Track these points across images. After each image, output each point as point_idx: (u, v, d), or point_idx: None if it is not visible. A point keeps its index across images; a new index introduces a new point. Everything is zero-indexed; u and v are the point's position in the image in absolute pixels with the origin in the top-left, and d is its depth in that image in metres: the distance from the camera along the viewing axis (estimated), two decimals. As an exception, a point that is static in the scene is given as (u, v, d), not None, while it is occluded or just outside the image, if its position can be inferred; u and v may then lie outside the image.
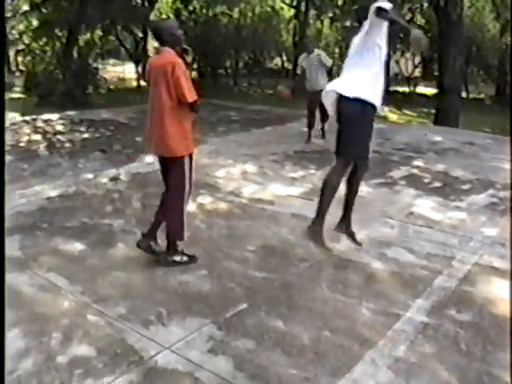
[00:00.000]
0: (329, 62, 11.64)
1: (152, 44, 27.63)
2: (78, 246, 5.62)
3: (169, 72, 4.75)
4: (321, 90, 8.97)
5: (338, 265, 5.27)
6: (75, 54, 20.40)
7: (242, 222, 6.41)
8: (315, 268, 5.19)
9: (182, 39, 5.05)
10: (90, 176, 8.50)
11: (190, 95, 4.81)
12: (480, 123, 15.82)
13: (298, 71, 11.74)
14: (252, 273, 5.01)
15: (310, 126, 11.42)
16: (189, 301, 4.49)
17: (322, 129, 11.43)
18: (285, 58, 30.15)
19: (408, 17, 25.00)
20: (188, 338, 3.95)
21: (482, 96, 23.77)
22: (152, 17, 25.14)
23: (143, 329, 4.06)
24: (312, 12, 26.11)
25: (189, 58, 5.29)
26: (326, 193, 5.56)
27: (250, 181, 8.27)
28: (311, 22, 27.18)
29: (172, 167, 5.08)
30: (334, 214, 5.74)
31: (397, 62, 25.59)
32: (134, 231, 5.99)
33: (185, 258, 5.25)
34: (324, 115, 10.92)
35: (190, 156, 5.10)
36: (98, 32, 24.99)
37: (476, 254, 5.68)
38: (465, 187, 8.29)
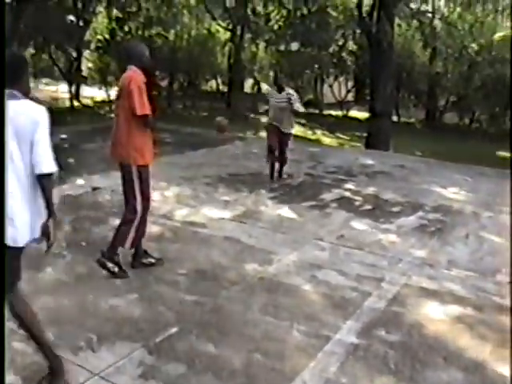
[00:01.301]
0: (300, 108, 10.00)
1: (86, 64, 27.38)
2: None
3: (126, 86, 5.14)
4: (285, 133, 8.99)
5: (270, 288, 5.30)
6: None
7: (174, 245, 6.39)
8: (246, 291, 5.21)
9: (148, 60, 5.43)
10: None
11: (140, 109, 5.09)
12: (411, 147, 16.21)
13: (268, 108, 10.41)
14: (183, 296, 4.99)
15: (272, 164, 10.23)
16: (119, 325, 4.44)
17: (280, 171, 10.38)
18: (220, 80, 30.21)
19: (341, 42, 25.54)
20: (118, 364, 3.90)
21: (412, 120, 24.39)
22: (87, 36, 24.94)
23: (72, 355, 3.98)
24: (247, 35, 26.31)
25: (164, 83, 5.55)
26: None
27: (183, 204, 8.24)
28: (246, 45, 27.37)
29: (123, 175, 5.40)
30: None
31: (330, 86, 26.04)
32: (64, 254, 5.89)
33: (116, 269, 5.34)
34: (283, 158, 10.21)
35: (140, 169, 5.33)
36: (31, 50, 24.55)
37: (405, 275, 5.82)
38: (395, 209, 8.49)
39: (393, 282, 5.59)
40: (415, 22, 22.52)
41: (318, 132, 20.49)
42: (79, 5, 23.83)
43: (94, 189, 8.70)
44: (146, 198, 5.47)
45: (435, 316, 4.92)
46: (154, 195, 8.50)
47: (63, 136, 14.28)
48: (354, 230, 7.33)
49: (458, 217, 8.43)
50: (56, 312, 4.59)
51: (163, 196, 8.68)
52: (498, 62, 20.25)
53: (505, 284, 5.77)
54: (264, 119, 22.68)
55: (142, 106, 5.10)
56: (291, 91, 9.89)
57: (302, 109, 10.07)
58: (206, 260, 5.95)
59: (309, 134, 19.10)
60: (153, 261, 5.67)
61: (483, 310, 5.08)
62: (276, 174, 10.25)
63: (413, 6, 22.06)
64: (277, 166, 10.24)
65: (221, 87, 30.05)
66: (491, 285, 5.73)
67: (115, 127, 5.41)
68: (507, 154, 16.11)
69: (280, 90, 9.82)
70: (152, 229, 6.90)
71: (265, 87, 10.11)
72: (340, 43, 25.62)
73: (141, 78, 5.21)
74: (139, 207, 5.37)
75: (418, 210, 8.55)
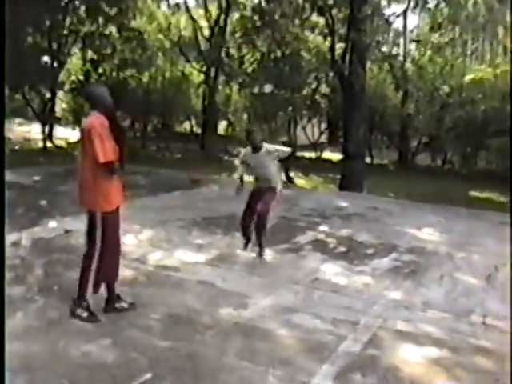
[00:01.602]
0: (285, 150, 8.05)
1: (60, 105, 27.38)
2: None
3: (87, 133, 5.14)
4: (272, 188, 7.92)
5: (245, 332, 5.24)
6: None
7: (147, 289, 6.31)
8: (221, 336, 5.15)
9: (109, 104, 5.38)
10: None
11: (102, 156, 5.07)
12: (384, 188, 16.34)
13: (239, 172, 8.51)
14: (157, 342, 4.92)
15: (245, 233, 8.17)
16: (92, 372, 4.35)
17: (260, 244, 7.97)
18: (194, 122, 30.37)
19: (314, 85, 25.85)
20: (90, 412, 3.82)
21: (385, 161, 24.64)
22: (61, 77, 24.97)
23: (42, 403, 3.89)
24: (221, 78, 26.59)
25: (126, 124, 5.51)
26: None
27: (157, 247, 8.17)
28: (220, 87, 27.63)
29: (89, 220, 5.40)
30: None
31: (303, 128, 26.27)
32: (36, 299, 5.80)
33: (84, 314, 5.28)
34: (262, 226, 7.95)
35: (106, 216, 5.30)
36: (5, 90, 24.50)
37: (380, 317, 5.81)
38: (369, 251, 8.51)
39: (368, 325, 5.58)
40: (387, 65, 22.99)
41: (292, 174, 20.58)
42: (54, 46, 23.90)
43: (67, 231, 8.60)
44: (115, 244, 5.48)
45: (411, 358, 4.91)
46: (128, 238, 8.47)
47: (36, 177, 14.20)
48: (328, 272, 7.32)
49: (432, 258, 8.48)
50: (27, 358, 4.50)
51: (136, 239, 8.61)
52: (468, 104, 20.64)
53: (479, 325, 5.78)
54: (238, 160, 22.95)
55: (105, 153, 5.09)
56: (270, 146, 8.00)
57: (287, 149, 8.06)
58: (180, 304, 5.88)
59: (282, 176, 19.17)
60: (125, 306, 5.59)
61: (459, 352, 5.07)
62: (255, 252, 7.96)
63: (384, 49, 22.55)
64: (253, 236, 8.06)
65: (195, 129, 30.22)
66: (466, 326, 5.74)
67: (81, 172, 5.43)
68: (479, 195, 16.33)
69: (256, 149, 7.92)
70: (125, 273, 6.82)
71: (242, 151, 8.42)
72: (313, 86, 25.93)
73: (102, 123, 5.20)
74: (97, 252, 5.33)
75: (391, 251, 8.58)
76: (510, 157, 16.20)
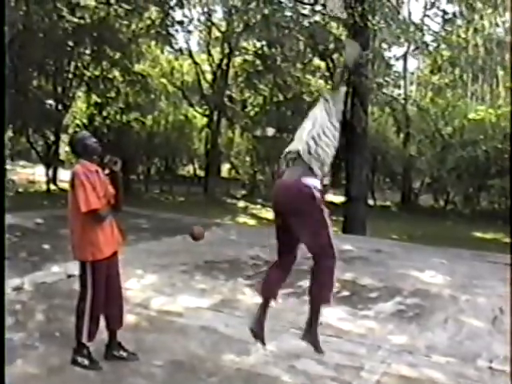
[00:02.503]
0: None
1: (64, 148, 27.57)
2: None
3: (71, 181, 5.16)
4: None
5: (248, 379, 5.20)
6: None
7: (150, 335, 6.26)
8: (224, 383, 5.09)
9: (94, 149, 5.37)
10: (-11, 286, 8.16)
11: (84, 204, 5.04)
12: (387, 230, 16.34)
13: None
14: (159, 390, 4.87)
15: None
16: (92, 422, 4.30)
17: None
18: (197, 165, 30.52)
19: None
20: None
21: (388, 203, 24.65)
22: (66, 121, 25.18)
23: None
24: (224, 121, 26.79)
25: (117, 167, 5.46)
26: None
27: (159, 292, 8.12)
28: (223, 130, 27.82)
29: (80, 270, 5.33)
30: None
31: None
32: (36, 346, 5.76)
33: (86, 362, 5.24)
34: None
35: (96, 265, 5.25)
36: (9, 133, 24.73)
37: (384, 362, 5.74)
38: (372, 295, 8.45)
39: (372, 371, 5.51)
40: (388, 108, 23.15)
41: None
42: (59, 89, 24.16)
43: (69, 276, 8.55)
44: (114, 291, 5.50)
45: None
46: (130, 283, 8.45)
47: (39, 220, 14.21)
48: (331, 317, 7.26)
49: (436, 301, 8.41)
50: (26, 408, 4.45)
51: (139, 284, 8.57)
52: (469, 144, 20.72)
53: (485, 369, 5.71)
54: (241, 203, 22.98)
55: (87, 202, 5.06)
56: None
57: None
58: (183, 351, 5.83)
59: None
60: (124, 355, 5.52)
61: (464, 399, 5.01)
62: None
63: (385, 91, 22.73)
64: None
65: (198, 172, 30.36)
66: (472, 370, 5.67)
67: (69, 221, 5.39)
68: (482, 235, 16.30)
69: None
70: (127, 318, 6.77)
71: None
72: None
73: (87, 171, 5.19)
74: (89, 300, 5.28)
75: (395, 295, 8.52)
76: (511, 195, 16.17)
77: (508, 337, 6.75)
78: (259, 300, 7.87)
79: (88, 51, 23.57)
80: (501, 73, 28.07)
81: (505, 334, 6.93)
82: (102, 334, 5.61)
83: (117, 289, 5.56)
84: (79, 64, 23.97)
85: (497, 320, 7.51)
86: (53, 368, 5.24)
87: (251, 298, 8.01)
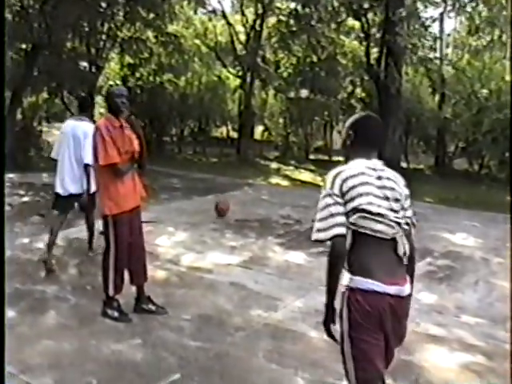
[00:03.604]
0: None
1: (98, 109, 27.70)
2: (7, 313, 5.43)
3: (93, 136, 5.21)
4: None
5: (275, 334, 5.22)
6: (19, 116, 20.21)
7: (179, 290, 6.33)
8: (251, 337, 5.14)
9: (119, 106, 5.28)
10: (25, 241, 8.32)
11: (102, 158, 5.09)
12: (420, 193, 16.11)
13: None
14: (187, 342, 4.93)
15: None
16: (121, 370, 4.38)
17: None
18: (230, 126, 30.45)
19: (349, 89, 25.74)
20: (118, 409, 3.84)
21: (421, 166, 24.35)
22: (100, 82, 25.24)
23: (71, 400, 3.93)
24: (257, 82, 26.60)
25: (138, 124, 5.43)
26: None
27: (189, 249, 8.20)
28: (256, 92, 27.64)
29: (103, 225, 5.45)
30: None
31: (339, 133, 26.07)
32: (68, 298, 5.89)
33: (115, 314, 5.34)
34: None
35: (116, 219, 5.28)
36: (44, 95, 24.89)
37: (413, 321, 5.70)
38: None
39: (400, 329, 5.50)
40: (423, 69, 22.74)
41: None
42: (92, 51, 24.18)
43: (101, 233, 8.67)
44: (136, 246, 5.52)
45: (443, 364, 4.83)
46: (161, 240, 8.54)
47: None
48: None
49: (468, 263, 8.34)
50: (57, 356, 4.55)
51: (170, 241, 8.66)
52: (506, 107, 20.29)
53: (515, 331, 5.67)
54: (273, 165, 22.96)
55: (106, 156, 5.09)
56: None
57: None
58: (211, 306, 5.89)
59: (318, 180, 19.06)
60: (153, 308, 5.59)
61: (493, 358, 4.97)
62: None
63: (420, 53, 22.31)
64: None
65: (231, 133, 30.27)
66: (501, 332, 5.62)
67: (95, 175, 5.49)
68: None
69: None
70: (158, 273, 6.89)
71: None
72: (349, 90, 25.81)
73: (110, 125, 5.20)
74: (112, 254, 5.33)
75: (426, 256, 8.46)
76: (510, 159, 15.78)
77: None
78: (288, 257, 7.96)
79: (121, 12, 23.47)
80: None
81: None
82: (132, 287, 5.69)
83: (139, 244, 5.60)
84: (112, 25, 23.86)
85: (528, 282, 7.43)
86: (84, 319, 5.34)
87: (281, 256, 8.06)
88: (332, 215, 2.87)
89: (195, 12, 27.70)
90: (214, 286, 6.56)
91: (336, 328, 3.06)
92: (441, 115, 22.90)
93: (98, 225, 8.97)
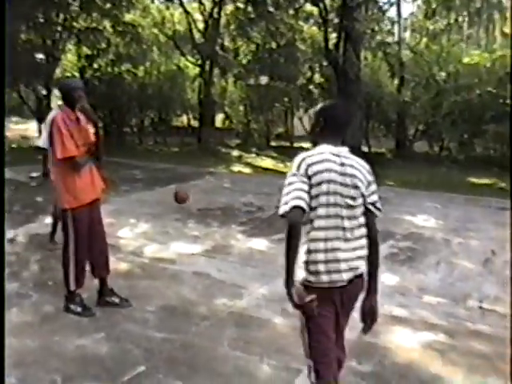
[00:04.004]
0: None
1: (56, 102, 27.32)
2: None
3: (49, 128, 5.16)
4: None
5: (240, 322, 5.24)
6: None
7: (143, 281, 6.30)
8: (217, 326, 5.14)
9: (75, 97, 5.19)
10: (-12, 237, 8.19)
11: (60, 151, 5.00)
12: (382, 177, 16.21)
13: None
14: (151, 334, 4.91)
15: None
16: (86, 366, 4.35)
17: None
18: (191, 115, 30.26)
19: (307, 75, 25.78)
20: (83, 405, 3.81)
21: (382, 150, 24.54)
22: (56, 74, 24.86)
23: (35, 398, 3.89)
24: (216, 70, 26.48)
25: (93, 116, 5.33)
26: None
27: (152, 240, 8.16)
28: (216, 80, 27.51)
29: (62, 219, 5.39)
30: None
31: (300, 119, 26.12)
32: (30, 294, 5.81)
33: (78, 309, 5.31)
34: None
35: (75, 213, 5.23)
36: (-1, 88, 24.42)
37: (376, 304, 5.78)
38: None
39: (364, 312, 5.56)
40: (381, 53, 22.89)
41: (289, 164, 20.58)
42: (48, 42, 23.78)
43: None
44: (97, 239, 5.47)
45: (407, 344, 4.90)
46: (123, 232, 8.48)
47: (32, 174, 14.16)
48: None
49: (429, 244, 8.46)
50: (20, 354, 4.49)
51: (132, 233, 8.60)
52: (464, 90, 20.54)
53: (476, 309, 5.78)
54: (235, 152, 22.93)
55: (63, 149, 5.01)
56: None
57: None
58: (176, 296, 5.88)
59: (280, 166, 19.11)
60: (117, 301, 5.56)
61: (454, 336, 5.07)
62: None
63: (378, 37, 22.47)
64: None
65: (191, 122, 30.10)
66: (462, 310, 5.74)
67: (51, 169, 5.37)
68: (477, 181, 16.28)
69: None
70: (121, 266, 6.84)
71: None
72: (307, 76, 25.86)
73: (66, 117, 5.13)
74: (72, 248, 5.28)
75: (388, 238, 8.55)
76: (510, 143, 16.05)
77: (499, 278, 6.83)
78: (252, 245, 7.97)
79: (77, 2, 23.13)
80: (497, 16, 27.75)
81: (496, 275, 6.99)
82: (95, 281, 5.65)
83: (100, 236, 5.55)
84: (68, 16, 23.50)
85: (488, 262, 7.57)
86: (46, 315, 5.29)
87: (244, 243, 8.08)
88: (295, 190, 3.02)
89: (152, 1, 27.47)
90: (177, 276, 6.54)
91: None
92: (400, 99, 23.09)
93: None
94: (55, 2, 21.78)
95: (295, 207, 2.97)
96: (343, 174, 3.13)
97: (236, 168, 18.14)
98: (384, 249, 7.98)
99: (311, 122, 3.43)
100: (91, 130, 5.29)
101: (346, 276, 3.18)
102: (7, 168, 15.33)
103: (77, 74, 25.44)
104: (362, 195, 3.19)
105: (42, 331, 4.92)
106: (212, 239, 8.26)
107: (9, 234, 8.25)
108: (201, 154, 21.67)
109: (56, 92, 25.71)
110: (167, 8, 27.91)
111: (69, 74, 26.25)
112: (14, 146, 23.60)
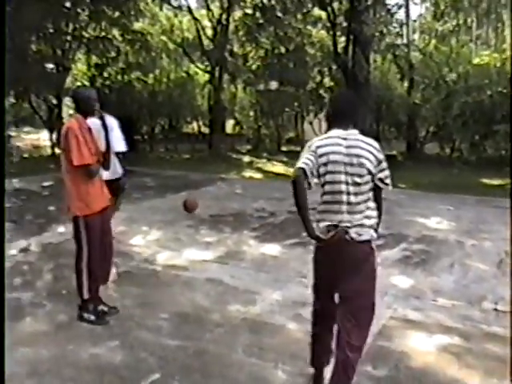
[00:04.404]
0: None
1: (67, 111, 27.46)
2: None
3: (63, 136, 5.09)
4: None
5: (254, 328, 5.22)
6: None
7: (156, 289, 6.30)
8: (230, 333, 5.13)
9: (89, 106, 5.26)
10: (-2, 248, 8.21)
11: (76, 158, 5.01)
12: (393, 179, 16.15)
13: None
14: (165, 341, 4.91)
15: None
16: (100, 374, 4.34)
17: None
18: (201, 122, 30.35)
19: (317, 80, 25.76)
20: (98, 414, 3.81)
21: (394, 152, 24.48)
22: (67, 84, 24.99)
23: (50, 407, 3.89)
24: (226, 76, 26.55)
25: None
26: None
27: (165, 247, 8.16)
28: (225, 86, 27.58)
29: (73, 226, 5.36)
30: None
31: (310, 123, 26.10)
32: (44, 304, 5.82)
33: (92, 317, 5.30)
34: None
35: (87, 220, 5.23)
36: (11, 99, 24.59)
37: (390, 308, 5.77)
38: (378, 242, 8.36)
39: (378, 316, 5.49)
40: (391, 56, 22.87)
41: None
42: (58, 52, 23.91)
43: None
44: (104, 247, 5.47)
45: (422, 348, 4.87)
46: (136, 240, 8.49)
47: (44, 184, 14.25)
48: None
49: (442, 246, 8.41)
50: (34, 364, 4.50)
51: (145, 240, 8.60)
52: (474, 90, 20.46)
53: (491, 311, 5.74)
54: (246, 158, 22.96)
55: (80, 156, 5.03)
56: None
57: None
58: (189, 303, 5.87)
59: (291, 171, 19.08)
60: (105, 309, 5.52)
61: (470, 339, 5.03)
62: None
63: (387, 40, 22.44)
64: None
65: (202, 129, 30.18)
66: (477, 312, 5.70)
67: (64, 177, 5.35)
68: (489, 181, 16.21)
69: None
70: (134, 273, 6.84)
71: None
72: (317, 80, 25.86)
73: (81, 126, 5.15)
74: (85, 256, 5.28)
75: (401, 241, 8.53)
76: (511, 143, 15.91)
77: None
78: (264, 250, 7.97)
79: (86, 11, 23.24)
80: (505, 16, 27.64)
81: (510, 276, 6.94)
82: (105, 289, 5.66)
83: (109, 245, 5.57)
84: (77, 25, 23.62)
85: (502, 263, 7.51)
86: (60, 325, 5.29)
87: (256, 249, 8.07)
88: (304, 157, 3.67)
89: (161, 8, 27.63)
90: (190, 283, 6.54)
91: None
92: (410, 101, 23.04)
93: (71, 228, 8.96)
94: (64, 12, 21.91)
95: (300, 168, 3.59)
96: (349, 155, 3.65)
97: (247, 174, 18.15)
98: (397, 252, 7.99)
99: (326, 110, 4.11)
100: (103, 138, 5.32)
101: (348, 237, 3.67)
102: (19, 178, 15.47)
103: (87, 83, 25.55)
104: (370, 173, 3.69)
105: (55, 340, 4.92)
106: (224, 245, 8.26)
107: (21, 243, 8.30)
108: (212, 160, 21.71)
109: (67, 101, 25.93)
110: (176, 15, 28.08)
111: (79, 84, 26.39)
112: (25, 155, 23.70)
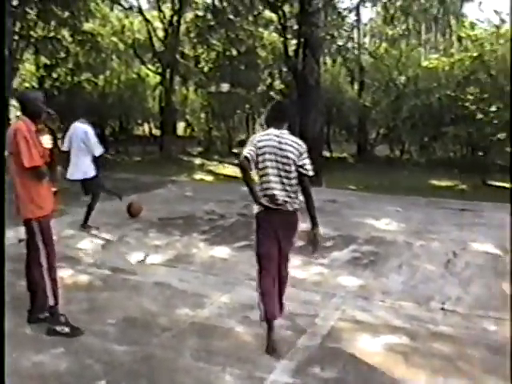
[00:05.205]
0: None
1: (14, 113, 26.92)
2: None
3: (11, 139, 4.96)
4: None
5: (202, 332, 5.17)
6: None
7: (103, 294, 6.19)
8: (178, 337, 5.07)
9: (36, 109, 5.15)
10: None
11: (28, 160, 4.90)
12: (344, 181, 16.35)
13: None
14: (112, 347, 4.82)
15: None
16: (43, 382, 4.24)
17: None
18: (152, 124, 30.11)
19: (268, 82, 25.82)
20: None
21: (344, 155, 24.71)
22: (15, 84, 24.50)
23: (-10, 418, 3.76)
24: (177, 78, 26.41)
25: (54, 124, 5.28)
26: None
27: (113, 251, 8.05)
28: (177, 88, 27.43)
29: (26, 230, 5.23)
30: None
31: (261, 126, 26.10)
32: (-14, 311, 5.64)
33: (66, 329, 5.11)
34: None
35: (41, 221, 5.12)
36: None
37: (339, 309, 5.79)
38: (327, 244, 8.46)
39: (327, 318, 5.55)
40: (341, 59, 23.05)
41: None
42: (5, 52, 23.40)
43: (21, 241, 8.38)
44: (47, 250, 5.25)
45: (370, 348, 4.89)
46: (83, 243, 8.35)
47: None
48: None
49: (391, 247, 8.50)
50: (-25, 373, 4.36)
51: (92, 244, 8.46)
52: (423, 93, 20.76)
53: (438, 311, 5.81)
54: (197, 160, 22.86)
55: (30, 158, 4.92)
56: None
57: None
58: (136, 308, 5.78)
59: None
60: (46, 315, 5.29)
61: (417, 339, 5.08)
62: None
63: (338, 43, 22.61)
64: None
65: (153, 131, 29.94)
66: (425, 312, 5.77)
67: (12, 180, 5.21)
68: (438, 183, 16.48)
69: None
70: (80, 278, 6.72)
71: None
72: (268, 82, 25.91)
73: (29, 128, 5.03)
74: (44, 260, 5.14)
75: (350, 243, 8.58)
76: (511, 144, 16.02)
77: (461, 279, 6.89)
78: (214, 253, 7.92)
79: (34, 10, 22.82)
80: (453, 21, 28.21)
81: (457, 276, 7.05)
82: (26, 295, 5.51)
83: (53, 248, 5.43)
84: (25, 24, 23.19)
85: (450, 263, 7.63)
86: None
87: (206, 252, 8.02)
88: (248, 148, 4.82)
89: (111, 9, 27.31)
90: (138, 287, 6.45)
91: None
92: (360, 104, 23.28)
93: (16, 233, 8.76)
94: (11, 11, 21.46)
95: (245, 156, 4.75)
96: (280, 149, 4.80)
97: (198, 176, 18.09)
98: (346, 253, 8.04)
99: (265, 114, 5.24)
100: (49, 140, 5.19)
101: (281, 207, 4.91)
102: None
103: (35, 84, 25.12)
104: (294, 163, 4.79)
105: (-3, 348, 4.79)
106: (173, 248, 8.17)
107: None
108: (163, 162, 21.56)
109: (14, 103, 25.42)
110: (126, 16, 27.78)
111: (27, 85, 25.92)
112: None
